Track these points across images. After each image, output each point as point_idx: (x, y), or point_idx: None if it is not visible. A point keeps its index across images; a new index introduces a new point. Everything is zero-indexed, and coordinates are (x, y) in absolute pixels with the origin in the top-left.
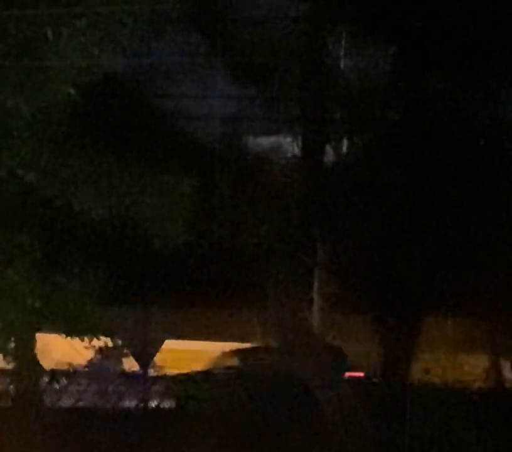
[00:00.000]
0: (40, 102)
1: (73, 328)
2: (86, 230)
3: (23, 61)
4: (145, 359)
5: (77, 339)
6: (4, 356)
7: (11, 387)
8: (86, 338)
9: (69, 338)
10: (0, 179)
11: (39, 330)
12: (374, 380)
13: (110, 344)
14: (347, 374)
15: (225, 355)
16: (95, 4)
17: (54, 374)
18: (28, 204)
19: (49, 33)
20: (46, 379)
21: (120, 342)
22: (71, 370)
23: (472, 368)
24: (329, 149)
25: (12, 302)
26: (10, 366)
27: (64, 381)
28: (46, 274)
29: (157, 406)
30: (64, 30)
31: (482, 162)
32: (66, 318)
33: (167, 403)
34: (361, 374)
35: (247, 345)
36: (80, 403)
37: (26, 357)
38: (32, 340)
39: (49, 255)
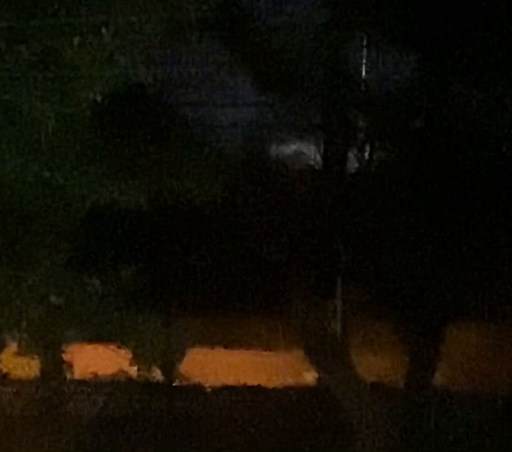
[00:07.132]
0: (66, 108)
1: (93, 330)
2: (113, 232)
3: (49, 71)
4: (168, 367)
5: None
6: (29, 362)
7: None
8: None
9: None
10: (27, 183)
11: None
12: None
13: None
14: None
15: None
16: (117, 13)
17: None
18: (55, 206)
19: (75, 42)
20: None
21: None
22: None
23: (498, 374)
24: (352, 156)
25: (35, 301)
26: (34, 374)
27: (88, 390)
28: (72, 274)
29: (180, 415)
30: (89, 39)
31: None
32: (88, 319)
33: (190, 412)
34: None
35: (270, 353)
36: (103, 413)
37: (51, 364)
38: (58, 348)
39: (76, 255)
